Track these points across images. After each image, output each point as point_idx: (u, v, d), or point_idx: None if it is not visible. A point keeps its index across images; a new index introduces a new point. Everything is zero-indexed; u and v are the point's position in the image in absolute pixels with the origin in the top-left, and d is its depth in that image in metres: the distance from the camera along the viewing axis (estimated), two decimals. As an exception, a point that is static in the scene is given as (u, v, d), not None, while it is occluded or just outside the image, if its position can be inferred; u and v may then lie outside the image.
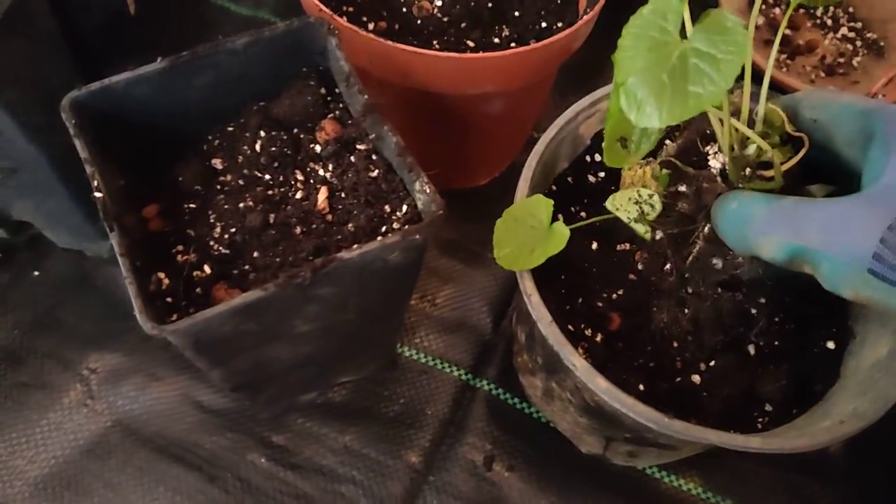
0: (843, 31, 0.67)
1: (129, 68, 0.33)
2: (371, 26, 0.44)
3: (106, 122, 0.32)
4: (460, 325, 0.49)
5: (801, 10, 0.68)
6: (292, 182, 0.35)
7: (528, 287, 0.32)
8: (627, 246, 0.36)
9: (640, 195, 0.31)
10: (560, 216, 0.39)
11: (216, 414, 0.45)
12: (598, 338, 0.34)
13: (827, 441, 0.30)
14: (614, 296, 0.35)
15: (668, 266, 0.33)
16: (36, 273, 0.49)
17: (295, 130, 0.36)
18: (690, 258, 0.31)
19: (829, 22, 0.68)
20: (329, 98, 0.37)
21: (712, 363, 0.34)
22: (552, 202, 0.32)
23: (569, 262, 0.37)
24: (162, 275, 0.31)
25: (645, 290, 0.34)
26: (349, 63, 0.35)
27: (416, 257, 0.33)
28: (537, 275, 0.33)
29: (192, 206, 0.34)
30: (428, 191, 0.31)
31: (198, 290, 0.31)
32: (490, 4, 0.46)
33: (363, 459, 0.44)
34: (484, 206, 0.54)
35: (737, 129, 0.27)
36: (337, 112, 0.36)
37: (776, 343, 0.34)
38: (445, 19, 0.45)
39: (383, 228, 0.33)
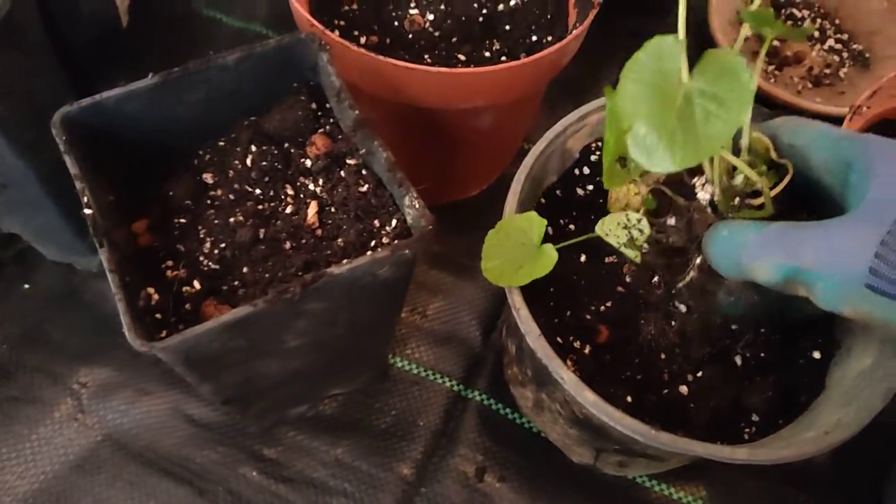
0: (830, 42, 0.68)
1: (121, 84, 0.33)
2: (363, 40, 0.44)
3: (97, 138, 0.32)
4: (451, 337, 0.50)
5: (789, 23, 0.69)
6: (282, 197, 0.35)
7: (516, 301, 0.33)
8: (615, 258, 0.37)
9: (628, 219, 0.31)
10: (549, 229, 0.39)
11: (207, 428, 0.45)
12: (587, 350, 0.35)
13: (812, 452, 0.30)
14: (602, 308, 0.35)
15: (655, 279, 0.33)
16: (26, 286, 0.49)
17: (285, 145, 0.36)
18: (683, 284, 0.31)
19: (817, 33, 0.69)
20: (320, 113, 0.37)
21: (699, 374, 0.34)
22: (545, 222, 0.33)
23: (557, 274, 0.37)
24: (152, 290, 0.31)
25: (632, 303, 0.35)
26: (340, 78, 0.35)
27: (406, 272, 0.33)
28: (526, 288, 0.33)
29: (182, 221, 0.34)
30: (417, 206, 0.31)
31: (187, 305, 0.31)
32: (481, 19, 0.46)
33: (355, 472, 0.44)
34: (473, 218, 0.54)
35: (724, 160, 0.28)
36: (327, 127, 0.37)
37: (762, 354, 0.35)
38: (437, 34, 0.45)
39: (373, 243, 0.33)
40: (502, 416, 0.47)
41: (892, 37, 0.66)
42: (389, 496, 0.43)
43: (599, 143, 0.41)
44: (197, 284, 0.32)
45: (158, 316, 0.30)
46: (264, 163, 0.35)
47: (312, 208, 0.34)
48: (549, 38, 0.46)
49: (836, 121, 0.50)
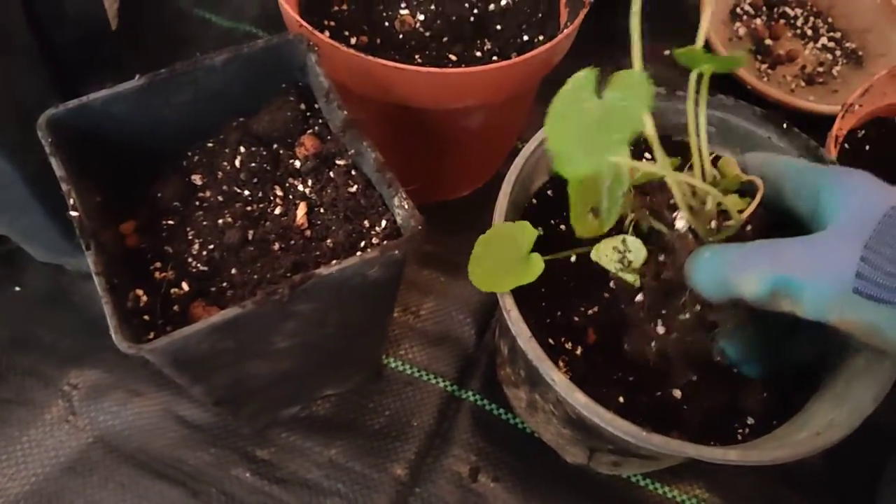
0: (823, 40, 0.68)
1: (107, 85, 0.33)
2: (353, 41, 0.44)
3: (83, 140, 0.32)
4: (444, 337, 0.50)
5: (782, 21, 0.69)
6: (271, 198, 0.35)
7: (507, 303, 0.33)
8: None
9: (623, 243, 0.31)
10: (541, 229, 0.39)
11: (199, 429, 0.45)
12: (578, 351, 0.35)
13: (805, 452, 0.30)
14: (590, 311, 0.35)
15: (639, 297, 0.32)
16: (16, 289, 0.49)
17: (274, 146, 0.36)
18: (681, 319, 0.31)
19: (810, 32, 0.69)
20: (309, 114, 0.37)
21: (693, 377, 0.34)
22: (537, 233, 0.33)
23: (548, 274, 0.37)
24: (140, 292, 0.31)
25: (617, 312, 0.34)
26: (328, 79, 0.35)
27: (396, 272, 0.33)
28: (517, 289, 0.33)
29: (170, 222, 0.34)
30: (407, 206, 0.31)
31: (175, 307, 0.31)
32: (472, 19, 0.46)
33: (348, 472, 0.44)
34: (466, 218, 0.54)
35: (691, 186, 0.28)
36: (316, 128, 0.37)
37: (755, 354, 0.35)
38: (427, 34, 0.45)
39: (362, 244, 0.33)
40: (496, 416, 0.47)
41: (885, 35, 0.66)
42: (383, 497, 0.43)
43: (591, 143, 0.41)
44: (185, 286, 0.31)
45: (146, 318, 0.30)
46: (253, 164, 0.35)
47: (301, 209, 0.34)
48: (541, 38, 0.46)
49: (829, 119, 0.50)
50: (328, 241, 0.33)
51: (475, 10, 0.47)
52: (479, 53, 0.45)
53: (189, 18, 0.63)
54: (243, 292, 0.31)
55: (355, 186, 0.34)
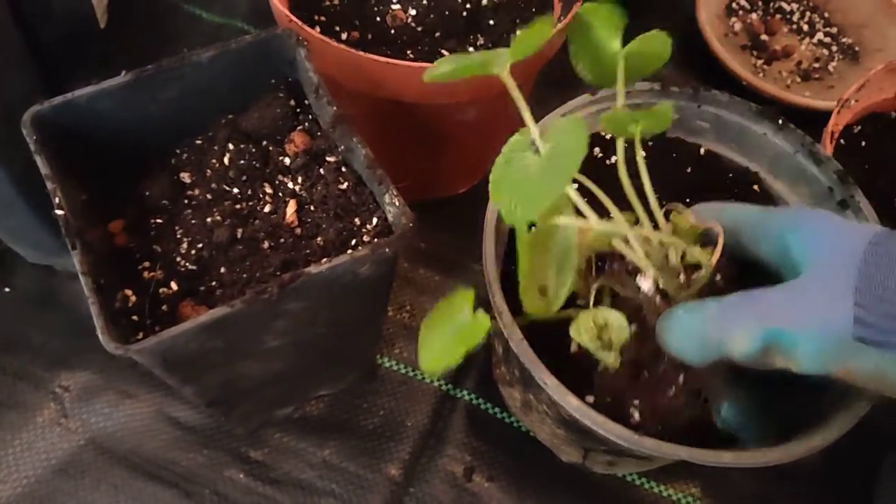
0: (819, 36, 0.68)
1: (93, 82, 0.32)
2: (344, 36, 0.44)
3: (69, 137, 0.32)
4: (439, 336, 0.49)
5: (778, 16, 0.69)
6: (261, 195, 0.34)
7: (498, 303, 0.32)
8: None
9: (604, 319, 0.29)
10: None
11: (192, 430, 0.44)
12: (572, 350, 0.34)
13: (798, 454, 0.30)
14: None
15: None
16: (6, 290, 0.48)
17: (264, 143, 0.36)
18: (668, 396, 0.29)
19: (806, 27, 0.68)
20: (298, 110, 0.36)
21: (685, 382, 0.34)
22: (472, 292, 0.28)
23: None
24: (129, 292, 0.30)
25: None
26: (318, 74, 0.34)
27: (387, 270, 0.32)
28: (509, 289, 0.33)
29: (159, 221, 0.33)
30: (397, 203, 0.31)
31: (164, 307, 0.30)
32: (464, 13, 0.46)
33: (342, 473, 0.44)
34: (460, 215, 0.54)
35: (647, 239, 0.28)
36: (306, 124, 0.36)
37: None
38: (419, 28, 0.45)
39: (353, 242, 0.32)
40: (491, 415, 0.47)
41: (881, 30, 0.66)
42: (377, 497, 0.43)
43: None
44: (174, 285, 0.31)
45: (135, 318, 0.30)
46: (242, 161, 0.34)
47: (291, 207, 0.33)
48: (535, 33, 0.45)
49: (825, 115, 0.50)
50: (318, 238, 0.32)
51: (468, 5, 0.46)
52: (471, 49, 0.44)
53: (179, 14, 0.62)
54: (232, 291, 0.31)
55: (346, 183, 0.34)
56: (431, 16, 0.45)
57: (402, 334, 0.49)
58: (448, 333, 0.28)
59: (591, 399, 0.32)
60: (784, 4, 0.69)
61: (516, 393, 0.42)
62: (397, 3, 0.46)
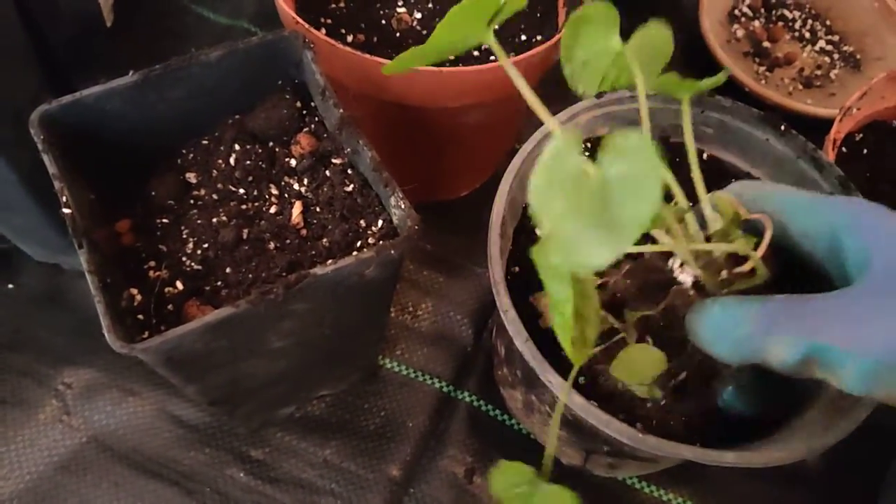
0: (821, 43, 0.68)
1: (101, 81, 0.32)
2: (349, 39, 0.44)
3: (76, 137, 0.32)
4: (441, 337, 0.49)
5: (780, 24, 0.69)
6: (266, 196, 0.34)
7: (504, 303, 0.32)
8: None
9: (642, 359, 0.27)
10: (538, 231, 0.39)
11: (193, 429, 0.45)
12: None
13: (800, 455, 0.30)
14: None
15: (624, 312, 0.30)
16: (10, 286, 0.49)
17: (270, 144, 0.36)
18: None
19: (808, 35, 0.69)
20: (304, 112, 0.37)
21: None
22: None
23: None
24: (134, 291, 0.31)
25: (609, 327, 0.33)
26: (324, 76, 0.34)
27: (392, 272, 0.33)
28: (514, 288, 0.33)
29: (164, 220, 0.33)
30: (403, 206, 0.31)
31: (169, 306, 0.31)
32: (469, 17, 0.46)
33: (343, 473, 0.44)
34: (464, 218, 0.54)
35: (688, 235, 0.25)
36: (312, 126, 0.36)
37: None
38: (424, 32, 0.45)
39: (358, 244, 0.33)
40: (492, 417, 0.47)
41: (882, 38, 0.66)
42: (378, 497, 0.43)
43: (589, 144, 0.41)
44: (180, 285, 0.31)
45: (140, 317, 0.30)
46: (248, 162, 0.34)
47: (297, 208, 0.33)
48: (539, 37, 0.46)
49: (826, 122, 0.50)
50: (324, 240, 0.33)
51: (473, 10, 0.46)
52: (476, 53, 0.45)
53: (186, 15, 0.62)
54: (238, 291, 0.31)
55: (351, 185, 0.34)
56: (437, 19, 0.45)
57: (404, 336, 0.49)
58: None
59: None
60: (786, 12, 0.70)
61: (518, 394, 0.42)
62: (403, 6, 0.46)
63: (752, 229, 0.26)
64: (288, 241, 0.33)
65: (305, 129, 0.36)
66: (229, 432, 0.45)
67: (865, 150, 0.52)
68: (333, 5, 0.46)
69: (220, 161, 0.35)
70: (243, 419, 0.43)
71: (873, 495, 0.44)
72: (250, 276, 0.31)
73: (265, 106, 0.36)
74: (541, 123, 0.39)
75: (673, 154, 0.42)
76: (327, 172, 0.35)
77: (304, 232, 0.33)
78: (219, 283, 0.31)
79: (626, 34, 0.28)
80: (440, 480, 0.44)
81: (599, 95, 0.40)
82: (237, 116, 0.36)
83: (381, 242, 0.31)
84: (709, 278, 0.26)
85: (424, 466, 0.45)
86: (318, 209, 0.34)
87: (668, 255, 0.27)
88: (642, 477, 0.45)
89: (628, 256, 0.29)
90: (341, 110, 0.34)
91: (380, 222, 0.33)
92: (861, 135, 0.53)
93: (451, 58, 0.44)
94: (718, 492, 0.45)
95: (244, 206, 0.34)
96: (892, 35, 0.66)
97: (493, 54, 0.45)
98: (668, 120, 0.41)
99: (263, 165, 0.35)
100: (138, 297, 0.30)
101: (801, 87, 0.65)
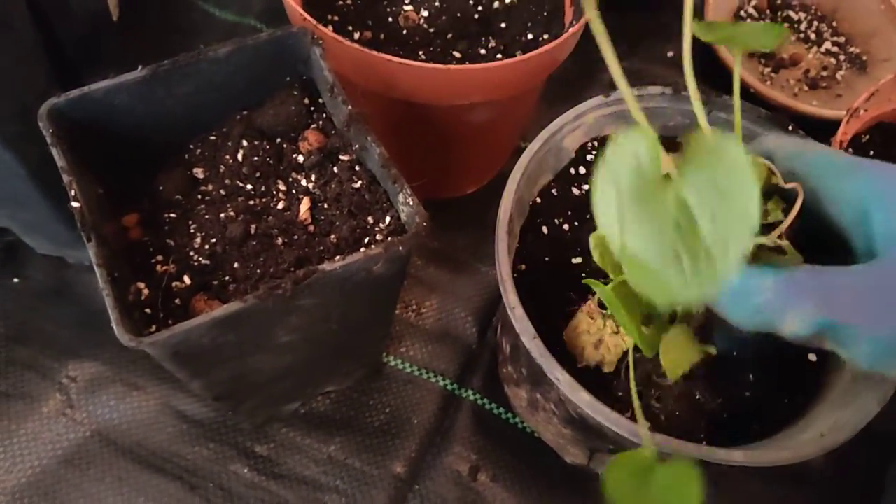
0: (827, 45, 0.68)
1: (110, 76, 0.32)
2: (356, 36, 0.44)
3: (85, 131, 0.32)
4: (445, 335, 0.49)
5: (786, 25, 0.69)
6: (274, 192, 0.34)
7: (511, 300, 0.32)
8: None
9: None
10: (545, 228, 0.39)
11: (198, 424, 0.45)
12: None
13: (809, 454, 0.30)
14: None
15: None
16: (15, 280, 0.49)
17: (278, 140, 0.36)
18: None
19: (813, 36, 0.69)
20: (312, 108, 0.37)
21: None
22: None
23: (552, 272, 0.37)
24: (142, 285, 0.31)
25: None
26: (333, 73, 0.34)
27: (400, 269, 0.33)
28: (521, 286, 0.33)
29: (172, 215, 0.33)
30: (411, 203, 0.31)
31: (177, 301, 0.31)
32: (476, 16, 0.46)
33: (347, 469, 0.44)
34: (470, 215, 0.54)
35: None
36: (320, 122, 0.36)
37: (758, 355, 0.35)
38: (431, 30, 0.45)
39: (366, 240, 0.33)
40: (496, 415, 0.47)
41: (889, 40, 0.66)
42: (382, 494, 0.43)
43: (595, 143, 0.41)
44: (187, 279, 0.31)
45: (147, 311, 0.30)
46: (256, 158, 0.34)
47: (305, 204, 0.33)
48: (546, 36, 0.46)
49: (834, 124, 0.50)
50: (332, 236, 0.33)
51: (480, 7, 0.46)
52: (483, 51, 0.45)
53: (193, 12, 0.62)
54: (246, 286, 0.31)
55: (359, 182, 0.34)
56: (444, 17, 0.45)
57: (409, 333, 0.49)
58: None
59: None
60: (792, 13, 0.70)
61: (523, 392, 0.42)
62: (410, 4, 0.46)
63: (779, 191, 0.25)
64: (296, 237, 0.33)
65: (313, 126, 0.36)
66: (233, 428, 0.45)
67: (872, 152, 0.52)
68: (340, 2, 0.46)
69: (227, 157, 0.35)
70: (248, 415, 0.43)
71: (878, 495, 0.44)
72: (258, 271, 0.31)
73: (273, 102, 0.36)
74: (547, 122, 0.39)
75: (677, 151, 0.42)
76: (335, 169, 0.35)
77: (311, 228, 0.33)
78: (226, 277, 0.31)
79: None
80: (444, 478, 0.44)
81: (607, 94, 0.40)
82: (245, 112, 0.36)
83: (389, 239, 0.31)
84: None
85: (429, 464, 0.45)
86: (325, 205, 0.34)
87: None
88: (645, 476, 0.45)
89: None
90: (349, 107, 0.34)
91: (387, 219, 0.33)
92: (867, 136, 0.53)
93: (458, 55, 0.44)
94: (722, 492, 0.45)
95: (252, 202, 0.34)
96: (898, 37, 0.65)
97: (499, 52, 0.45)
98: (676, 119, 0.41)
99: (271, 161, 0.35)
100: (145, 292, 0.30)
101: (806, 88, 0.65)
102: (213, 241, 0.32)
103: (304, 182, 0.35)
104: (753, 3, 0.69)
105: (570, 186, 0.40)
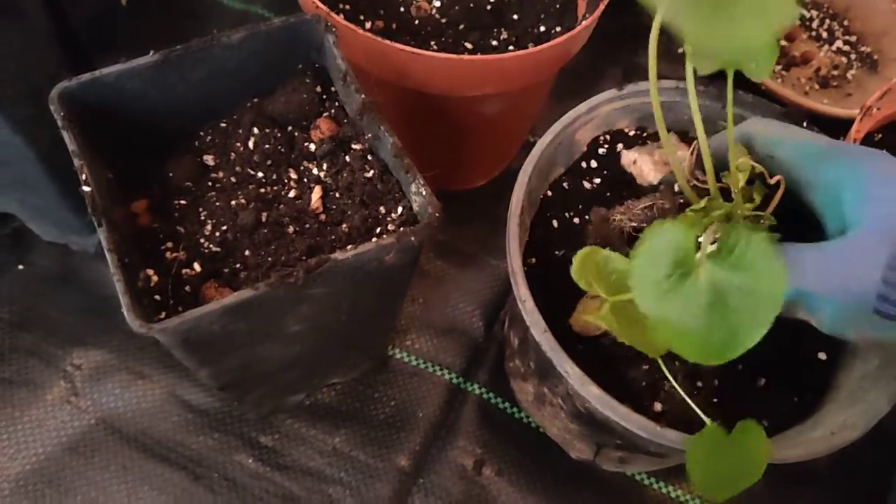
0: (838, 43, 0.67)
1: (121, 61, 0.32)
2: (368, 25, 0.44)
3: (95, 115, 0.32)
4: (452, 328, 0.49)
5: (797, 23, 0.69)
6: (285, 181, 0.34)
7: (522, 293, 0.32)
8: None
9: None
10: (554, 222, 0.39)
11: (203, 413, 0.44)
12: (593, 343, 0.34)
13: (818, 452, 0.30)
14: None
15: None
16: (20, 267, 0.48)
17: (289, 128, 0.36)
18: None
19: (825, 34, 0.68)
20: (324, 96, 0.36)
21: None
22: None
23: (562, 266, 0.37)
24: (151, 272, 0.30)
25: None
26: (346, 61, 0.34)
27: (411, 259, 0.32)
28: (531, 279, 0.33)
29: (182, 202, 0.33)
30: (424, 193, 0.31)
31: (187, 288, 0.30)
32: (489, 7, 0.46)
33: (352, 461, 0.44)
34: (479, 208, 0.54)
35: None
36: (332, 111, 0.36)
37: (769, 355, 0.34)
38: (443, 20, 0.45)
39: (378, 230, 0.32)
40: (501, 409, 0.47)
41: (900, 39, 0.65)
42: (386, 486, 0.43)
43: (608, 136, 0.41)
44: (197, 267, 0.31)
45: (157, 297, 0.30)
46: (267, 146, 0.34)
47: (316, 193, 0.33)
48: (558, 29, 0.45)
49: (844, 123, 0.49)
50: (343, 225, 0.32)
51: (492, -1, 0.46)
52: (495, 42, 0.44)
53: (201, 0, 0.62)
54: (257, 274, 0.31)
55: (371, 171, 0.34)
56: (456, 8, 0.45)
57: (415, 326, 0.49)
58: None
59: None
60: (804, 11, 0.69)
61: (530, 386, 0.42)
62: (423, -7, 0.45)
63: (761, 176, 0.28)
64: (307, 226, 0.33)
65: (325, 114, 0.36)
66: (239, 418, 0.45)
67: (885, 151, 0.52)
68: (352, -9, 0.45)
69: (238, 144, 0.35)
70: (253, 405, 0.43)
71: (883, 495, 0.44)
72: (269, 259, 0.31)
73: (285, 90, 0.35)
74: (555, 118, 0.39)
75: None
76: (347, 158, 0.34)
77: (323, 217, 0.33)
78: (237, 265, 0.31)
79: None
80: (449, 471, 0.44)
81: (620, 87, 0.40)
82: (256, 100, 0.36)
83: (401, 229, 0.31)
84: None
85: (434, 457, 0.45)
86: (337, 194, 0.34)
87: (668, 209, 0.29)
88: (651, 473, 0.45)
89: (642, 196, 0.30)
90: (362, 95, 0.33)
91: (399, 209, 0.32)
92: (880, 135, 0.52)
93: (470, 46, 0.44)
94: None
95: (263, 190, 0.34)
96: (910, 36, 0.65)
97: (511, 44, 0.45)
98: (687, 113, 0.41)
99: (282, 149, 0.35)
100: (155, 278, 0.30)
101: (817, 86, 0.64)
102: (224, 228, 0.32)
103: (315, 171, 0.34)
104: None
105: (582, 180, 0.40)
